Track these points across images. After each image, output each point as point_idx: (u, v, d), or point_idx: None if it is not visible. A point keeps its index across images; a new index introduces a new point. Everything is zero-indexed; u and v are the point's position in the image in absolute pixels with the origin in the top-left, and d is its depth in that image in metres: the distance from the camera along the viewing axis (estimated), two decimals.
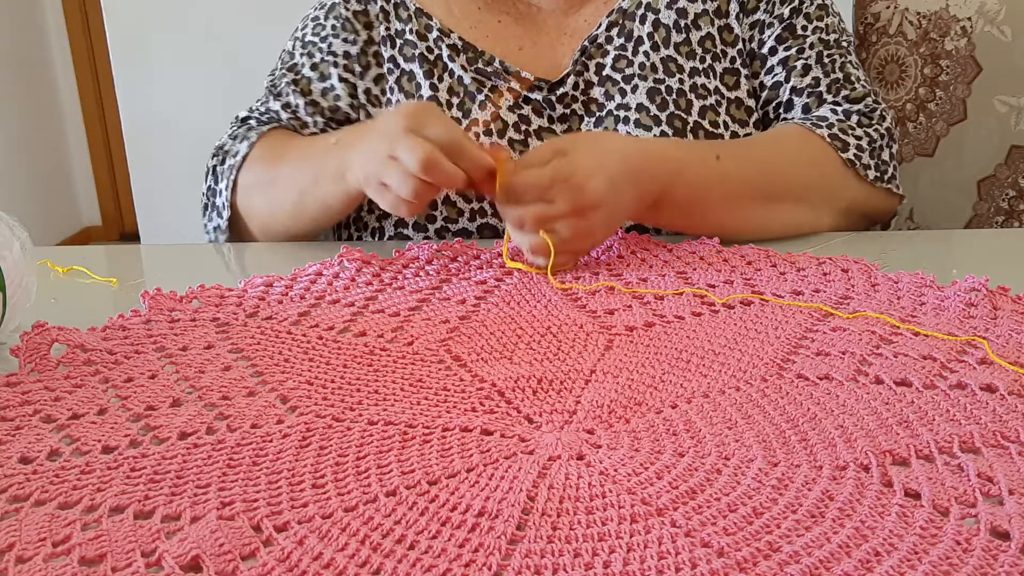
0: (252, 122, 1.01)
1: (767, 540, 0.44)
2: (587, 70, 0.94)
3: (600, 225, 0.79)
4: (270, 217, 0.95)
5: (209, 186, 1.00)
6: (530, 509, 0.47)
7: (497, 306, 0.74)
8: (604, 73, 0.94)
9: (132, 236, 3.62)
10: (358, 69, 0.97)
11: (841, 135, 0.90)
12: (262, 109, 1.01)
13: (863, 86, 0.95)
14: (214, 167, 0.99)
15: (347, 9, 0.98)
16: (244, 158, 0.95)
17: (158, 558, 0.44)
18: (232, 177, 0.96)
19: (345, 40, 0.97)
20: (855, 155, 0.90)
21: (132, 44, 2.60)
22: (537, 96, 0.94)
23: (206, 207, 1.01)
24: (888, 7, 1.17)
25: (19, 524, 0.46)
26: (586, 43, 0.94)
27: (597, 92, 0.93)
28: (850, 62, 0.96)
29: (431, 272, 0.80)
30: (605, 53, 0.94)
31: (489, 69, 0.94)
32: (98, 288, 0.83)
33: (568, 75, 0.94)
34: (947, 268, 0.76)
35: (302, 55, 1.00)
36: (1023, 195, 1.15)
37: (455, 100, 0.94)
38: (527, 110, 0.93)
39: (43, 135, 3.63)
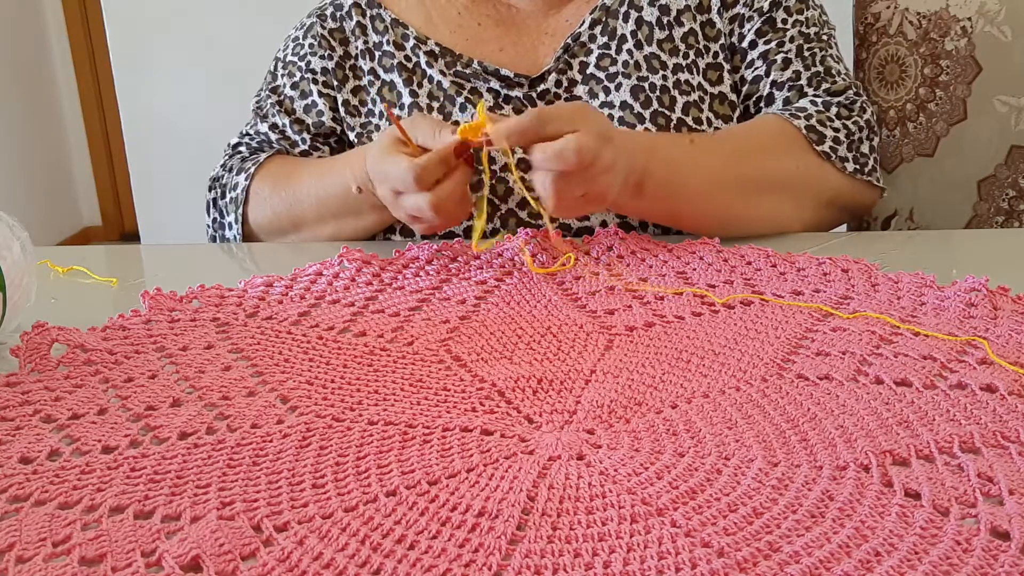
0: (243, 149, 1.03)
1: (767, 540, 0.44)
2: (571, 68, 0.94)
3: (604, 147, 0.76)
4: (275, 244, 0.98)
5: (215, 218, 1.02)
6: (530, 509, 0.47)
7: (497, 306, 0.74)
8: (588, 71, 0.94)
9: (132, 236, 3.62)
10: (335, 82, 0.99)
11: (818, 127, 0.90)
12: (251, 133, 1.04)
13: (843, 79, 0.95)
14: (214, 200, 1.02)
15: (323, 28, 1.00)
16: (246, 191, 0.98)
17: (158, 558, 0.44)
18: (239, 211, 0.98)
19: (322, 57, 1.00)
20: (831, 147, 0.90)
21: (132, 44, 2.60)
22: (518, 93, 0.94)
23: (214, 239, 1.03)
24: (888, 7, 1.17)
25: (19, 524, 0.46)
26: (569, 41, 0.94)
27: (581, 90, 0.94)
28: (831, 55, 0.96)
29: (431, 272, 0.80)
30: (589, 52, 0.94)
31: (468, 71, 0.94)
32: (98, 288, 0.83)
33: (550, 72, 0.94)
34: (947, 268, 0.76)
35: (283, 75, 1.02)
36: (1023, 195, 1.15)
37: (435, 104, 0.95)
38: (508, 109, 0.93)
39: (43, 135, 3.63)
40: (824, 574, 0.41)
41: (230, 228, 1.00)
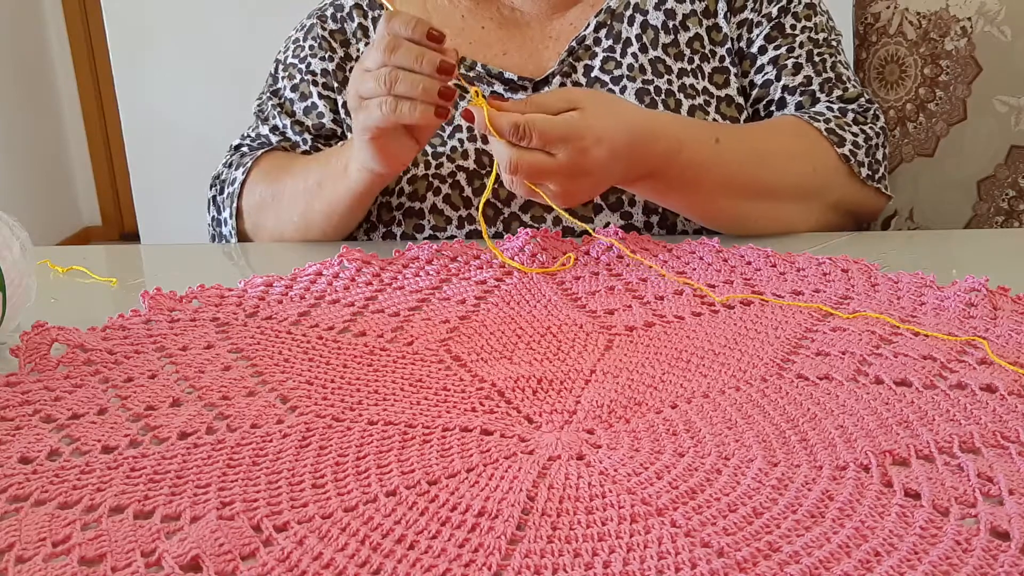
0: (244, 148, 1.03)
1: (767, 540, 0.44)
2: (575, 71, 0.94)
3: (585, 191, 0.78)
4: (278, 235, 0.97)
5: (213, 216, 1.02)
6: (530, 509, 0.47)
7: (497, 306, 0.74)
8: (593, 75, 0.94)
9: (132, 236, 3.62)
10: (336, 84, 0.99)
11: (838, 130, 0.91)
12: (252, 135, 1.03)
13: (854, 86, 0.96)
14: (213, 197, 1.02)
15: (323, 29, 1.00)
16: (242, 184, 0.98)
17: (158, 558, 0.44)
18: (234, 205, 0.98)
19: (322, 59, 0.99)
20: (851, 151, 0.90)
21: (132, 44, 2.60)
22: (521, 96, 0.94)
23: (213, 238, 1.03)
24: (888, 7, 1.17)
25: (19, 524, 0.46)
26: (574, 44, 0.94)
27: None
28: (840, 62, 0.97)
29: (431, 272, 0.80)
30: (593, 55, 0.94)
31: (471, 74, 0.94)
32: (98, 288, 0.83)
33: (554, 75, 0.94)
34: (947, 268, 0.76)
35: (283, 77, 1.02)
36: (1023, 195, 1.15)
37: None
38: None
39: (43, 135, 3.63)
40: (824, 574, 0.41)
41: (226, 224, 1.00)
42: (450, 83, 0.76)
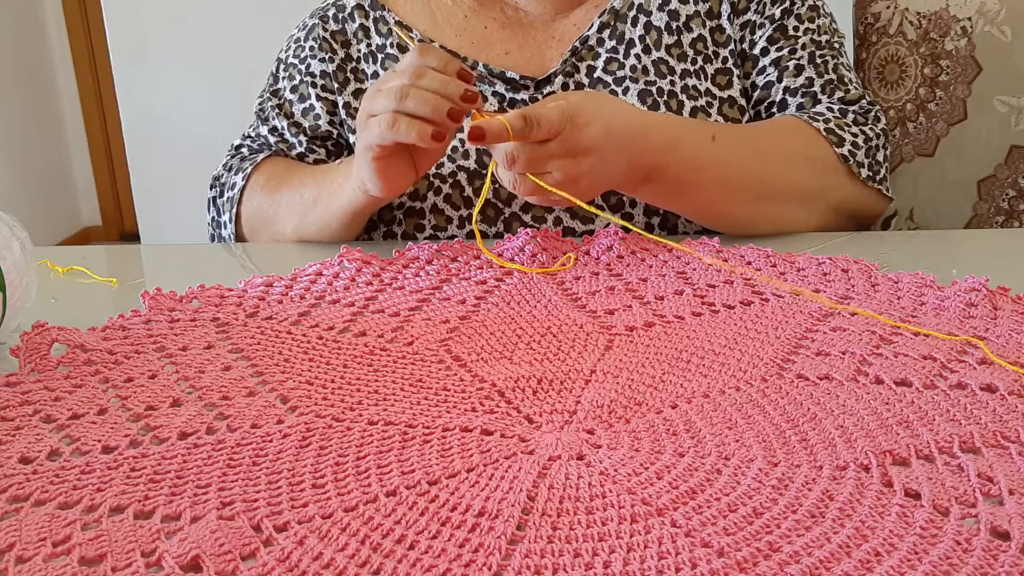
0: (244, 150, 1.04)
1: (767, 540, 0.44)
2: (578, 72, 0.94)
3: (589, 174, 0.77)
4: (274, 243, 0.97)
5: (213, 217, 1.03)
6: (530, 509, 0.47)
7: (497, 306, 0.74)
8: (595, 75, 0.94)
9: (132, 236, 3.62)
10: (335, 86, 0.99)
11: (837, 130, 0.90)
12: (253, 135, 1.04)
13: (856, 88, 0.95)
14: (213, 198, 1.03)
15: (325, 30, 1.00)
16: (241, 191, 0.98)
17: (158, 558, 0.44)
18: (233, 210, 0.99)
19: (322, 60, 0.99)
20: (850, 151, 0.90)
21: (132, 44, 2.60)
22: (523, 96, 0.93)
23: (213, 237, 1.04)
24: (888, 7, 1.17)
25: (19, 524, 0.46)
26: (577, 44, 0.94)
27: None
28: (842, 64, 0.96)
29: (431, 272, 0.80)
30: (596, 55, 0.94)
31: (473, 73, 0.94)
32: (98, 288, 0.83)
33: (556, 75, 0.94)
34: (947, 268, 0.76)
35: (284, 78, 1.03)
36: (1023, 195, 1.15)
37: None
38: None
39: (43, 135, 3.63)
40: (824, 574, 0.41)
41: (225, 227, 1.00)
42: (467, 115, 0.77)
